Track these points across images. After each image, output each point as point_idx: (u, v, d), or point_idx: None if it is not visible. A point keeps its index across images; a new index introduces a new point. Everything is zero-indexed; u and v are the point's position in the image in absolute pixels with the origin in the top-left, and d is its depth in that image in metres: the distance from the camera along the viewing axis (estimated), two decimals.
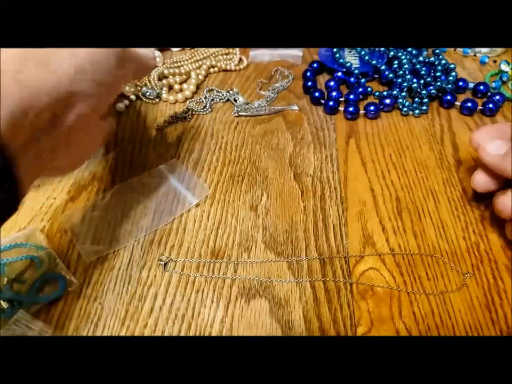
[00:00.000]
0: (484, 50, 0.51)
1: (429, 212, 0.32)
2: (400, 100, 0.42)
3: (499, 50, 0.51)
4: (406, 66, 0.45)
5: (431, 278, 0.28)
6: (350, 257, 0.29)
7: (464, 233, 0.31)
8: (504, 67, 0.48)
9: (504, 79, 0.46)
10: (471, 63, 0.50)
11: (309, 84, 0.45)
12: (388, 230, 0.31)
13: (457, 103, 0.42)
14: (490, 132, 0.30)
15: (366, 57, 0.47)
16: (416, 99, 0.43)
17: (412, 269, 0.29)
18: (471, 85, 0.45)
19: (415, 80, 0.43)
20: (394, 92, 0.43)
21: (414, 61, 0.46)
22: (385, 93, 0.44)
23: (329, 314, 0.26)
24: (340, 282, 0.28)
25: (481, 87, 0.44)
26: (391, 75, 0.45)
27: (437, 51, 0.47)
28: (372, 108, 0.41)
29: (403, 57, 0.45)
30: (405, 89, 0.43)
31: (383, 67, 0.45)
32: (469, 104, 0.41)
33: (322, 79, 0.48)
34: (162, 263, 0.29)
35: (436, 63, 0.46)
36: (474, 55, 0.51)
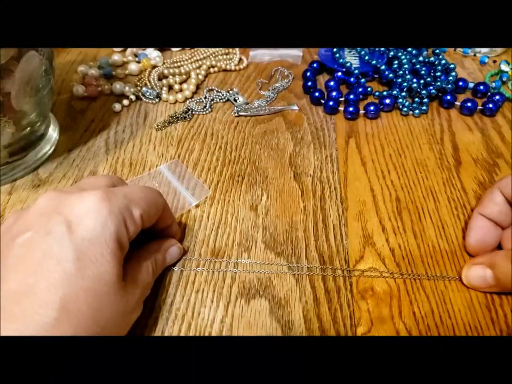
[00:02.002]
0: (484, 50, 0.51)
1: (429, 212, 0.32)
2: (400, 100, 0.42)
3: (499, 50, 0.51)
4: (406, 66, 0.45)
5: (431, 278, 0.28)
6: (350, 257, 0.29)
7: (464, 233, 0.31)
8: (504, 67, 0.48)
9: (504, 79, 0.46)
10: (471, 63, 0.50)
11: (309, 84, 0.45)
12: (387, 230, 0.31)
13: (457, 103, 0.42)
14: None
15: (366, 57, 0.47)
16: (416, 99, 0.43)
17: (412, 269, 0.29)
18: (471, 85, 0.45)
19: (415, 80, 0.43)
20: (394, 92, 0.43)
21: (414, 61, 0.46)
22: (385, 93, 0.44)
23: (329, 314, 0.26)
24: (339, 282, 0.28)
25: (481, 87, 0.44)
26: (391, 75, 0.45)
27: (437, 51, 0.47)
28: (372, 107, 0.41)
29: (403, 57, 0.46)
30: (405, 89, 0.43)
31: (383, 67, 0.45)
32: (469, 104, 0.41)
33: (322, 79, 0.48)
34: None
35: (436, 63, 0.46)
36: (474, 55, 0.51)
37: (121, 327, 0.22)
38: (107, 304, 0.21)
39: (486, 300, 0.27)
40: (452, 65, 0.45)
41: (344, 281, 0.28)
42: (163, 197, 0.27)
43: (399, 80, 0.44)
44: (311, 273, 0.28)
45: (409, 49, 0.47)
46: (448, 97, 0.42)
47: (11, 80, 0.30)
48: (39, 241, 0.21)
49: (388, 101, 0.42)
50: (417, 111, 0.42)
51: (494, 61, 0.49)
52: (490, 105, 0.41)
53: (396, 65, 0.45)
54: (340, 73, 0.45)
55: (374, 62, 0.46)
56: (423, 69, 0.44)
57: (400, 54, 0.46)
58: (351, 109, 0.41)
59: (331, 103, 0.42)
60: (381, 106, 0.42)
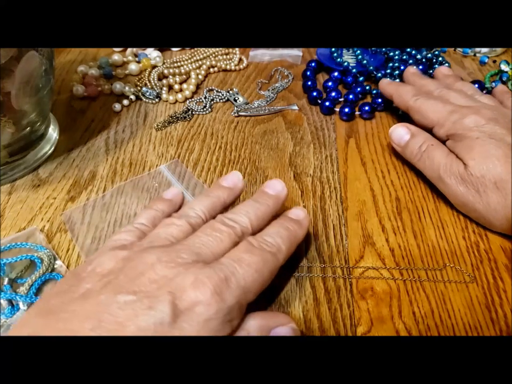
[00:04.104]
0: (484, 50, 0.51)
1: (429, 211, 0.32)
2: None
3: (499, 50, 0.51)
4: (402, 68, 0.45)
5: (431, 278, 0.28)
6: (350, 257, 0.29)
7: (464, 233, 0.31)
8: (504, 67, 0.48)
9: (504, 79, 0.46)
10: (471, 63, 0.50)
11: (309, 83, 0.45)
12: (387, 230, 0.31)
13: None
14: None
15: (364, 62, 0.46)
16: None
17: (412, 269, 0.29)
18: None
19: None
20: None
21: (411, 61, 0.46)
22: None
23: (329, 314, 0.26)
24: (339, 282, 0.28)
25: (476, 85, 0.44)
26: (388, 76, 0.45)
27: (436, 52, 0.47)
28: (366, 107, 0.41)
29: (397, 57, 0.46)
30: None
31: (379, 68, 0.46)
32: None
33: (322, 79, 0.48)
34: None
35: (434, 61, 0.46)
36: (474, 55, 0.51)
37: None
38: None
39: (486, 300, 0.27)
40: (446, 64, 0.45)
41: (344, 281, 0.28)
42: (277, 259, 0.24)
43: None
44: (311, 273, 0.28)
45: (409, 49, 0.48)
46: None
47: (11, 80, 0.30)
48: (139, 313, 0.19)
49: (381, 100, 0.42)
50: None
51: (494, 61, 0.49)
52: None
53: (390, 67, 0.45)
54: (336, 73, 0.45)
55: (370, 64, 0.46)
56: (420, 67, 0.44)
57: (392, 53, 0.47)
58: (346, 109, 0.41)
59: (327, 103, 0.41)
60: (375, 106, 0.42)
